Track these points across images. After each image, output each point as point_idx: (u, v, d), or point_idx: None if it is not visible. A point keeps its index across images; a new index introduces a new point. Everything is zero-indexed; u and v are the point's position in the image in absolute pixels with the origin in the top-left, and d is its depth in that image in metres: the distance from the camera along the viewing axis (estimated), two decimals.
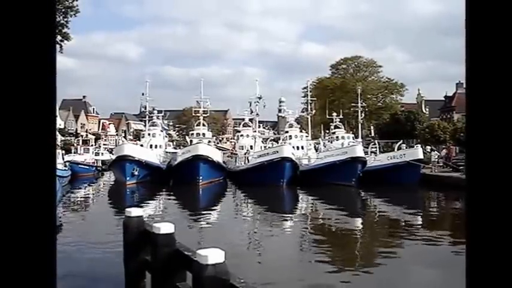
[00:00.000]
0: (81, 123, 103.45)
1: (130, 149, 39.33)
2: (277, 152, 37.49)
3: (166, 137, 56.74)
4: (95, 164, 52.35)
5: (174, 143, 67.70)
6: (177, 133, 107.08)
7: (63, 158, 42.56)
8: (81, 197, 33.38)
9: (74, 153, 55.18)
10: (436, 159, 40.59)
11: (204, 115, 52.23)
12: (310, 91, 56.14)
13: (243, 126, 54.43)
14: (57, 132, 77.09)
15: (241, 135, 52.42)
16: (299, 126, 54.25)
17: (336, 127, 50.14)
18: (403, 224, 20.81)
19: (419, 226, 21.01)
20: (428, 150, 42.98)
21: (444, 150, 43.05)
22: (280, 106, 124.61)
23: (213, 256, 5.20)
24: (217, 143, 69.85)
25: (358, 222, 22.23)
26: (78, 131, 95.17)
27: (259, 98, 50.24)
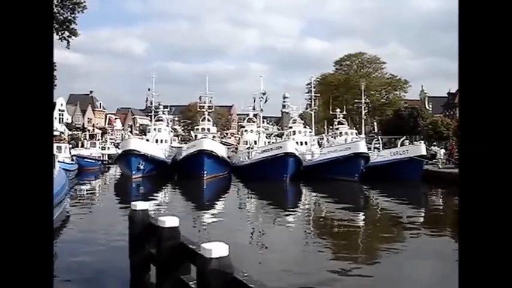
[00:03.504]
0: (88, 118, 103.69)
1: (136, 143, 39.51)
2: (281, 147, 37.58)
3: (171, 131, 56.94)
4: (101, 158, 52.58)
5: (179, 138, 67.80)
6: (182, 128, 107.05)
7: (70, 152, 42.85)
8: (87, 191, 33.59)
9: (81, 147, 55.47)
10: (441, 156, 40.59)
11: (208, 110, 52.35)
12: (314, 87, 56.07)
13: (247, 121, 54.46)
14: (65, 127, 77.43)
15: (246, 131, 52.45)
16: (303, 122, 54.26)
17: (340, 123, 50.36)
18: (405, 219, 20.90)
19: (421, 221, 21.17)
20: (435, 148, 43.02)
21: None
22: (284, 102, 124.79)
23: (217, 250, 5.19)
24: (222, 138, 69.89)
25: (361, 217, 22.35)
26: (85, 126, 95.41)
27: (263, 93, 50.29)
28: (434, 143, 44.90)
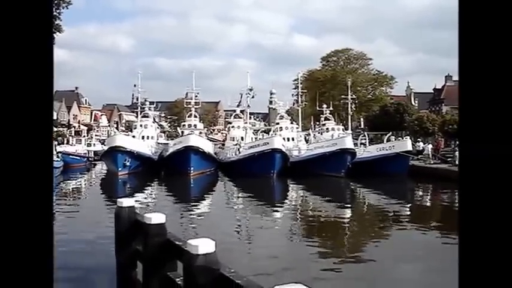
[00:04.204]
0: (74, 114, 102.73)
1: (122, 140, 39.31)
2: (268, 143, 37.64)
3: (158, 128, 56.72)
4: (87, 155, 52.26)
5: (166, 134, 67.55)
6: (169, 124, 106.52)
7: (55, 149, 42.52)
8: (73, 188, 33.35)
9: (66, 144, 55.07)
10: (429, 152, 40.86)
11: (195, 106, 52.22)
12: (301, 83, 56.24)
13: (234, 117, 54.39)
14: None
15: (233, 127, 52.39)
16: (290, 118, 54.28)
17: (326, 119, 50.51)
18: (391, 214, 21.11)
19: (407, 216, 21.39)
20: (423, 144, 43.35)
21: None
22: (271, 98, 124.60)
23: (203, 246, 5.19)
24: (209, 134, 69.71)
25: (347, 212, 22.48)
26: (71, 122, 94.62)
27: (250, 89, 50.21)
28: (420, 139, 45.18)
